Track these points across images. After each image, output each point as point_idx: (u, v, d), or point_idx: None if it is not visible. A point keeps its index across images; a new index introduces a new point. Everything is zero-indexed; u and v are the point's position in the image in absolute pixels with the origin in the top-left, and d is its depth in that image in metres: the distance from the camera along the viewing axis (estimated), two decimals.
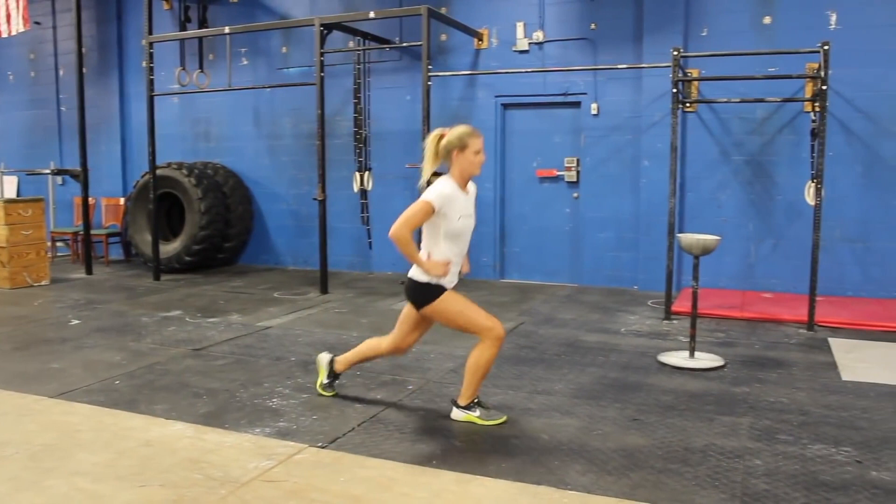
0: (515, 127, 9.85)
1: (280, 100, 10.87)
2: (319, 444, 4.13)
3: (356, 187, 9.93)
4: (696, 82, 8.68)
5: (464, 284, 9.49)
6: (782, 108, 8.51)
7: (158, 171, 10.09)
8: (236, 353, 6.13)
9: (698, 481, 3.69)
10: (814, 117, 7.66)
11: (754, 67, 8.12)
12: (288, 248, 11.21)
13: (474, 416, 4.49)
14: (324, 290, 8.88)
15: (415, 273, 4.40)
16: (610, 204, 9.28)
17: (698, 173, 8.88)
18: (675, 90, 7.43)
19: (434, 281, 4.35)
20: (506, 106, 9.82)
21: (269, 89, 10.72)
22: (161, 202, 10.49)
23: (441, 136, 4.42)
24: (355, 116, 9.95)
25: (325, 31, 8.85)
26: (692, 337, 5.93)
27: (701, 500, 3.48)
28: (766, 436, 4.32)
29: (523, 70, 9.16)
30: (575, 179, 9.48)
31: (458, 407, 4.53)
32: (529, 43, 9.50)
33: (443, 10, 9.54)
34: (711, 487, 3.62)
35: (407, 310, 4.62)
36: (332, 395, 4.97)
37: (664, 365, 5.81)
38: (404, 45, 9.66)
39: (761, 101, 8.25)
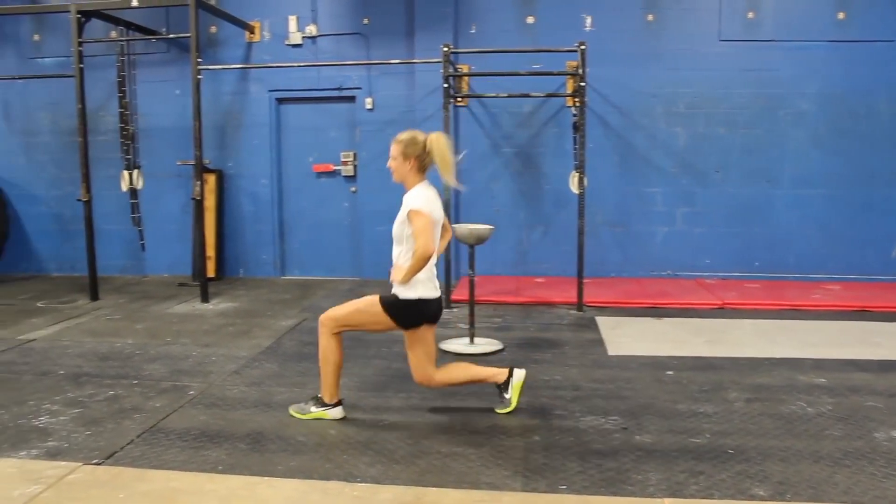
0: (291, 122, 9.73)
1: (34, 93, 10.03)
2: (95, 461, 3.88)
3: (125, 186, 9.38)
4: (466, 77, 9.00)
5: (244, 283, 9.31)
6: (547, 102, 9.02)
7: None
8: None
9: (483, 461, 3.84)
10: (575, 112, 8.17)
11: (520, 64, 8.54)
12: (51, 253, 10.40)
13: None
14: (94, 297, 8.34)
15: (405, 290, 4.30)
16: (387, 197, 9.27)
17: (471, 165, 9.21)
18: (446, 85, 7.66)
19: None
20: (280, 101, 9.68)
21: (20, 81, 9.87)
22: None
23: None
24: (121, 111, 9.40)
25: (83, 19, 8.28)
26: (471, 324, 6.16)
27: (486, 479, 3.62)
28: (543, 412, 4.57)
29: (297, 64, 9.05)
30: (352, 174, 9.53)
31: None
32: (303, 37, 9.42)
33: (212, 1, 9.22)
34: (495, 466, 3.78)
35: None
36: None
37: (446, 352, 5.99)
38: (171, 36, 9.23)
39: (527, 95, 8.74)
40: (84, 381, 5.28)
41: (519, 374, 4.55)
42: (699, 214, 9.03)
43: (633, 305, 7.69)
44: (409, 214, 4.15)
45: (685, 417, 4.47)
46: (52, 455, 3.97)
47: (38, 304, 8.12)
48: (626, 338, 6.45)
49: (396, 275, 4.24)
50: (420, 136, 4.30)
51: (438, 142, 4.24)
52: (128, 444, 4.12)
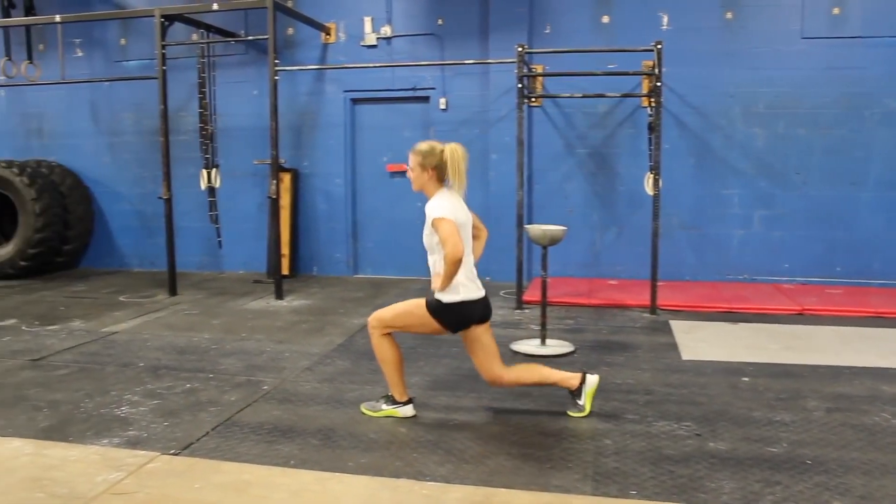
0: (365, 122, 9.83)
1: (120, 94, 10.38)
2: (172, 452, 3.99)
3: (203, 185, 9.62)
4: (540, 78, 8.95)
5: (317, 281, 9.44)
6: (622, 103, 8.91)
7: None
8: (80, 361, 5.82)
9: (553, 464, 3.81)
10: (650, 112, 8.05)
11: (595, 64, 8.45)
12: (133, 249, 10.75)
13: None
14: (172, 292, 8.58)
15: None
16: None
17: (545, 166, 9.16)
18: (520, 85, 7.63)
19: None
20: (355, 101, 9.79)
21: (107, 83, 10.22)
22: None
23: None
24: (201, 112, 9.64)
25: (167, 23, 8.52)
26: (543, 325, 6.12)
27: (555, 482, 3.60)
28: (615, 416, 4.51)
29: (371, 65, 9.15)
30: None
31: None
32: (377, 38, 9.50)
33: (289, 3, 9.39)
34: (565, 469, 3.75)
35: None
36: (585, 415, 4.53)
37: (517, 353, 5.97)
38: (250, 38, 9.43)
39: (602, 96, 8.65)
40: (163, 374, 5.43)
41: (592, 381, 4.51)
42: (778, 217, 8.79)
43: (708, 309, 7.53)
44: (434, 223, 4.21)
45: (761, 425, 4.36)
46: (133, 444, 4.10)
47: (121, 298, 8.39)
48: (700, 342, 6.33)
49: (435, 282, 4.31)
50: (438, 146, 4.36)
51: (454, 153, 4.29)
52: (203, 435, 4.23)
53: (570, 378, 4.51)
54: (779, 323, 7.02)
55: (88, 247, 10.84)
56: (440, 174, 4.35)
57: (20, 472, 3.75)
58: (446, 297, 4.28)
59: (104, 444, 4.12)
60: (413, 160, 4.39)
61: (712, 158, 8.82)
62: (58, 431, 4.32)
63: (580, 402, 4.50)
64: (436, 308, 4.31)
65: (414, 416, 4.50)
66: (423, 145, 4.39)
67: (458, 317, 4.32)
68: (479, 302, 4.36)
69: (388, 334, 4.48)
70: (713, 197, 8.87)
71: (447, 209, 4.23)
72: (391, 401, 4.53)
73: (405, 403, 4.52)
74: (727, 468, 3.75)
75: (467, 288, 4.30)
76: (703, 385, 5.14)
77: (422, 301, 4.39)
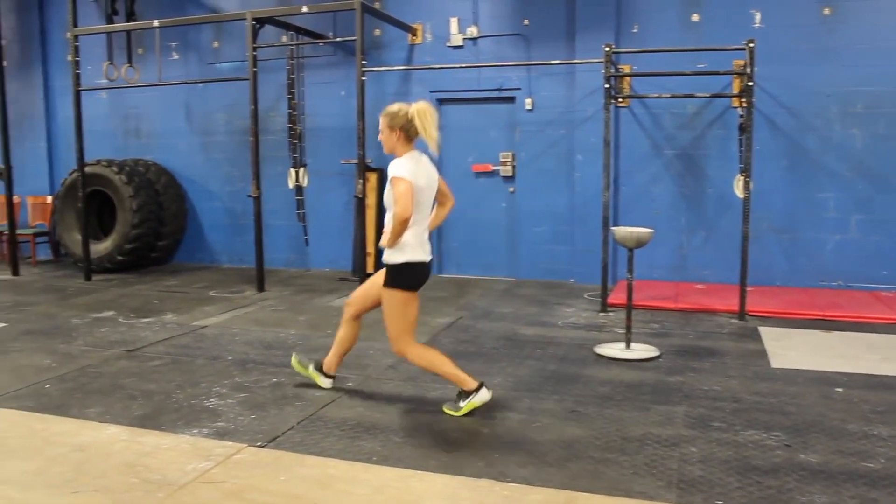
0: (451, 122, 9.86)
1: (212, 95, 10.69)
2: (259, 444, 4.09)
3: (291, 184, 9.83)
4: (627, 78, 8.83)
5: None
6: (711, 103, 8.71)
7: (88, 169, 9.84)
8: (172, 353, 6.02)
9: (636, 470, 3.76)
10: (741, 112, 7.85)
11: (684, 64, 8.28)
12: (223, 245, 11.05)
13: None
14: (260, 288, 8.78)
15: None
16: (545, 198, 9.37)
17: (631, 167, 9.03)
18: (607, 86, 7.54)
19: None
20: (441, 101, 9.82)
21: (201, 84, 10.52)
22: (91, 200, 10.21)
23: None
24: (289, 112, 9.85)
25: (258, 26, 8.72)
26: (628, 328, 6.04)
27: (638, 488, 3.54)
28: (701, 423, 4.42)
29: (458, 65, 9.18)
30: (511, 174, 9.55)
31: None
32: (463, 38, 9.53)
33: (376, 5, 9.51)
34: (648, 475, 3.69)
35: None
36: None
37: (601, 356, 5.91)
38: (338, 39, 9.58)
39: (691, 96, 8.46)
40: (250, 368, 5.56)
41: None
42: (876, 222, 8.44)
43: (800, 317, 7.29)
44: (391, 181, 4.33)
45: (856, 439, 4.20)
46: (221, 435, 4.22)
47: (211, 294, 8.63)
48: (791, 350, 6.14)
49: (383, 239, 4.45)
50: (405, 107, 4.48)
51: (420, 111, 4.40)
52: (289, 429, 4.32)
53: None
54: (876, 332, 6.75)
55: (181, 243, 11.18)
56: (408, 135, 4.49)
57: (116, 457, 3.90)
58: (392, 258, 4.43)
59: (194, 433, 4.25)
60: (382, 122, 4.53)
61: (806, 160, 8.54)
62: (151, 420, 4.47)
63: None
64: (388, 278, 4.50)
65: (491, 399, 4.59)
66: (392, 107, 4.54)
67: (408, 277, 4.48)
68: (425, 265, 4.52)
69: (413, 337, 4.65)
70: (807, 200, 8.58)
71: (407, 170, 4.35)
72: (464, 395, 4.57)
73: (477, 389, 4.56)
74: (818, 482, 3.63)
75: (413, 250, 4.44)
76: (793, 394, 4.98)
77: (381, 292, 4.60)
